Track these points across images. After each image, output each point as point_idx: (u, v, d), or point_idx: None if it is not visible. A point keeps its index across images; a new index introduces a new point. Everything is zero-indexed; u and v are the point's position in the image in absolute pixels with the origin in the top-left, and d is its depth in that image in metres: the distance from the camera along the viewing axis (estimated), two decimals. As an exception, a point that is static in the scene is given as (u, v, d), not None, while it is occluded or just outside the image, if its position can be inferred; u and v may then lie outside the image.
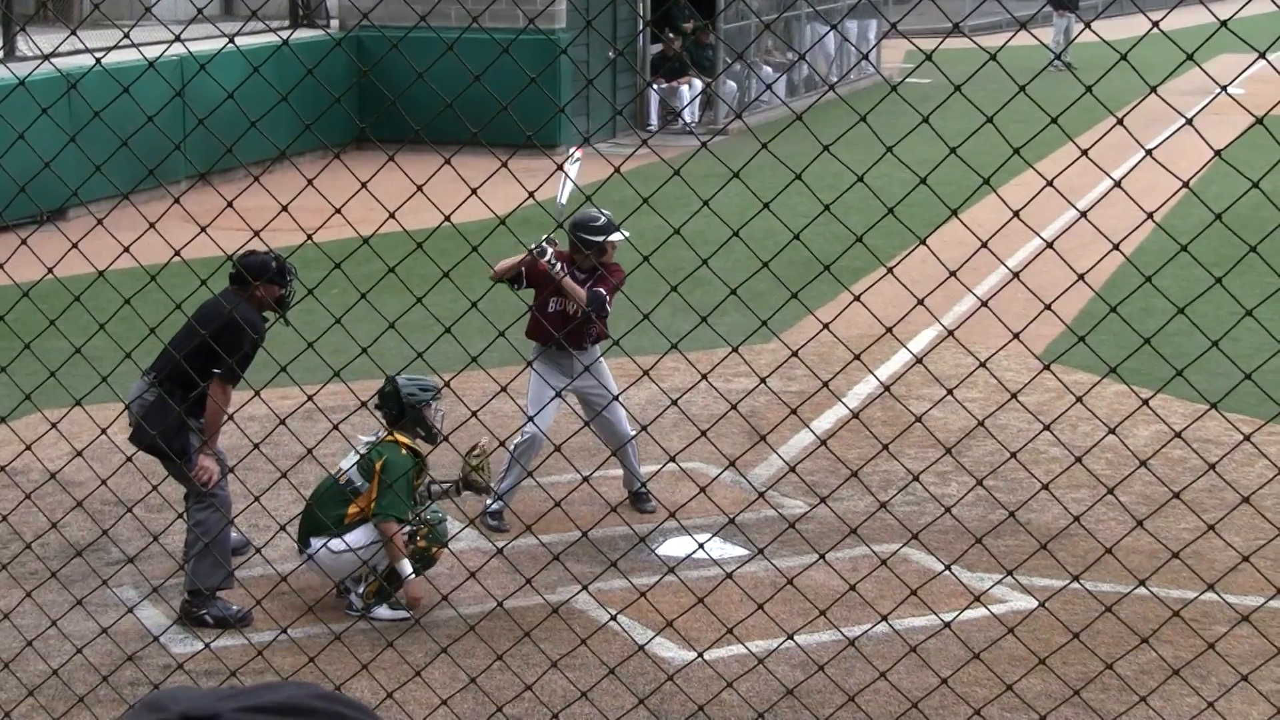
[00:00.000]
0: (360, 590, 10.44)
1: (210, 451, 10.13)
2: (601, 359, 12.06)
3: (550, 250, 11.57)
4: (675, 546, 11.35)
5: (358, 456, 10.36)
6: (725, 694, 8.83)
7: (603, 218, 11.77)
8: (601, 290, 11.67)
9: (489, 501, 11.84)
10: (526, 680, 8.69)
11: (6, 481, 10.71)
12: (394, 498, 10.08)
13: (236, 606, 10.27)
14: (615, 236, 11.82)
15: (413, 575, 10.13)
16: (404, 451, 10.31)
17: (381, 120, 24.73)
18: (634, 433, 11.77)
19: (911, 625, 9.72)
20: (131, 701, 8.87)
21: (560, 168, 11.25)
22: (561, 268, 11.68)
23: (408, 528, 10.20)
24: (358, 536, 10.09)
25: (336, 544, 10.06)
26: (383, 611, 10.36)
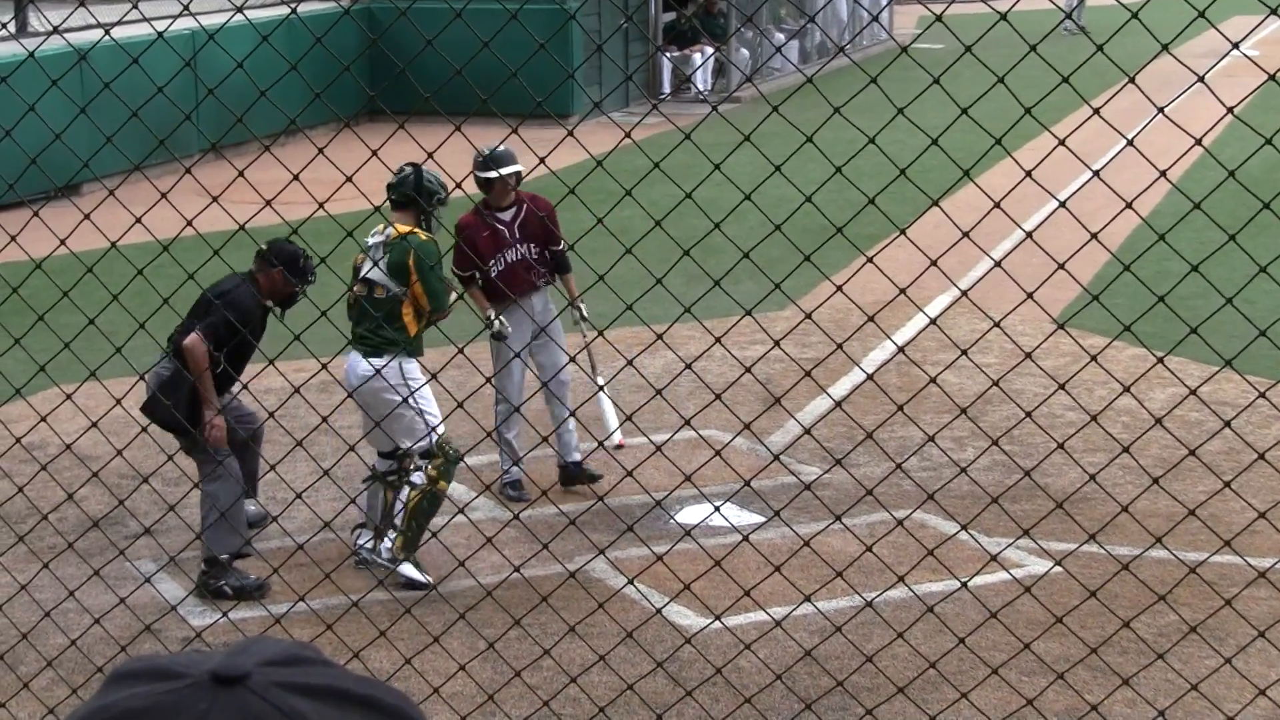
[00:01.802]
0: (389, 543, 10.37)
1: (214, 407, 10.10)
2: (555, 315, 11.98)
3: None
4: (692, 513, 11.36)
5: (376, 264, 10.42)
6: (743, 659, 8.84)
7: (492, 149, 11.54)
8: (563, 250, 11.70)
9: (506, 471, 11.85)
10: (544, 647, 8.71)
11: (23, 455, 10.74)
12: (441, 285, 10.36)
13: (254, 575, 10.29)
14: (507, 170, 11.62)
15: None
16: (423, 237, 10.42)
17: (394, 91, 24.71)
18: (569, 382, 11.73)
19: (929, 589, 9.73)
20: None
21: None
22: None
23: (419, 461, 10.25)
24: (395, 374, 9.98)
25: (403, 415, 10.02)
26: (408, 569, 10.34)
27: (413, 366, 10.22)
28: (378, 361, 9.89)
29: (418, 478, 10.28)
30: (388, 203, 10.52)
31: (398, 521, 10.35)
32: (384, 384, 9.62)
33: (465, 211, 11.75)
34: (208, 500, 10.18)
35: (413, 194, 10.41)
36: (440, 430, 10.24)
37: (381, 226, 10.44)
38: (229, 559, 10.21)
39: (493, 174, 11.53)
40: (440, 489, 10.31)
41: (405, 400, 9.38)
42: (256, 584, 10.20)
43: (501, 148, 11.50)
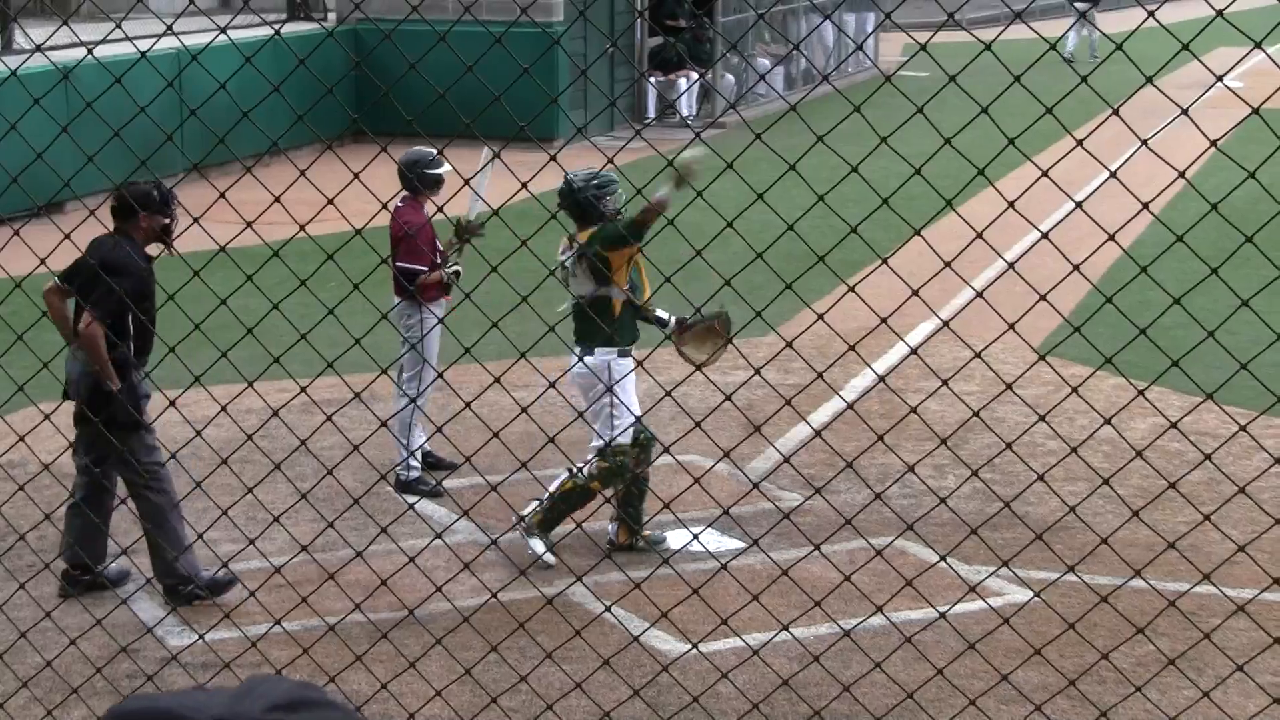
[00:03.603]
0: (527, 515, 10.82)
1: (113, 381, 9.75)
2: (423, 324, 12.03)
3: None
4: (671, 539, 11.34)
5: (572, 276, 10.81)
6: (721, 686, 8.82)
7: (433, 152, 11.69)
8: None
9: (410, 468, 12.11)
10: (522, 672, 8.68)
11: (1, 474, 10.70)
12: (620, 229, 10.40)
13: (220, 572, 10.22)
14: (445, 168, 11.80)
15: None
16: (590, 232, 10.55)
17: (379, 114, 24.70)
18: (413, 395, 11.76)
19: (908, 617, 9.71)
20: (127, 695, 8.86)
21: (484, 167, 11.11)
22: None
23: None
24: (604, 370, 10.51)
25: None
26: (535, 544, 10.78)
27: (621, 365, 10.54)
28: (589, 359, 10.52)
29: (587, 470, 10.74)
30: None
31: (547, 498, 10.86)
32: (592, 379, 10.53)
33: (406, 209, 11.80)
34: (150, 513, 10.02)
35: (578, 211, 10.51)
36: (623, 437, 10.61)
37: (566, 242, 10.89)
38: (188, 573, 10.16)
39: (444, 169, 11.63)
40: (594, 488, 10.73)
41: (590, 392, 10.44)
42: (227, 579, 10.13)
43: (423, 147, 11.64)
